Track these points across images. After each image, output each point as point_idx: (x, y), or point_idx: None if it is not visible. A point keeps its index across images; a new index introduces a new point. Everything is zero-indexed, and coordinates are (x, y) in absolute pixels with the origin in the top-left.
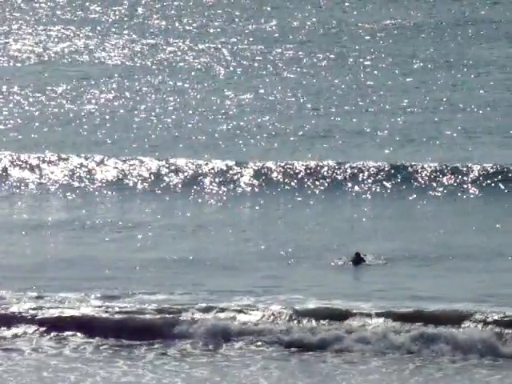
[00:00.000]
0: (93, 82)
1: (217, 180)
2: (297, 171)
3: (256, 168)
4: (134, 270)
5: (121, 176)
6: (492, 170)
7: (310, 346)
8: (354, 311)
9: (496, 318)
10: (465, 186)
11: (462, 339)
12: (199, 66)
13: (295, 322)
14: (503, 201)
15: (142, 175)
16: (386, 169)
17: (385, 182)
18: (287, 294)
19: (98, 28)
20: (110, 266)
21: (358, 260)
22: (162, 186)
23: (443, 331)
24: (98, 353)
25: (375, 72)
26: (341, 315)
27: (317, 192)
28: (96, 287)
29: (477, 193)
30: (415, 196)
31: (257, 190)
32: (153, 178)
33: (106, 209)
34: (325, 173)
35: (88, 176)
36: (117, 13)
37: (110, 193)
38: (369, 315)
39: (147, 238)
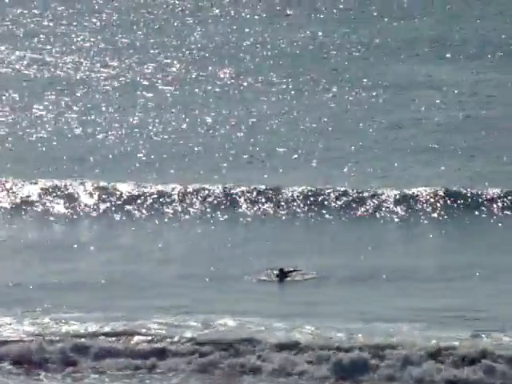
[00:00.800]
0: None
1: (137, 203)
2: (222, 193)
3: (175, 189)
4: (51, 290)
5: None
6: (436, 193)
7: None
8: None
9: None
10: (406, 210)
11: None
12: (121, 84)
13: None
14: (441, 223)
15: (56, 197)
16: (323, 190)
17: (319, 205)
18: (205, 313)
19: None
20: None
21: (282, 276)
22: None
23: None
24: (17, 364)
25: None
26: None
27: (247, 213)
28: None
29: (416, 217)
30: (346, 218)
31: (180, 211)
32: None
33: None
34: (257, 195)
35: None
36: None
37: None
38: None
39: (67, 260)
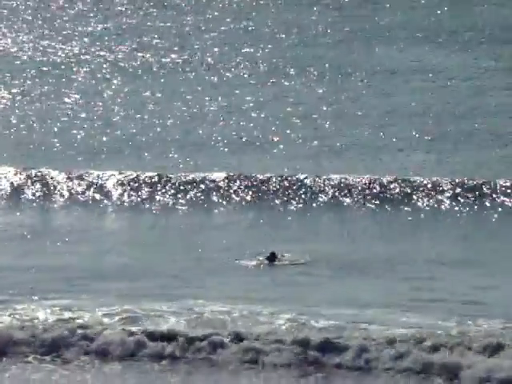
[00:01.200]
0: None
1: (129, 190)
2: (214, 180)
3: (166, 177)
4: (36, 275)
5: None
6: (430, 180)
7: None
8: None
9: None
10: (393, 197)
11: None
12: (110, 69)
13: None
14: (435, 211)
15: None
16: (317, 178)
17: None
18: (192, 299)
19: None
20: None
21: (272, 259)
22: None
23: None
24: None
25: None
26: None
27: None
28: None
29: (411, 205)
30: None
31: (170, 198)
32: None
33: None
34: (248, 182)
35: None
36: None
37: None
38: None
39: (58, 245)
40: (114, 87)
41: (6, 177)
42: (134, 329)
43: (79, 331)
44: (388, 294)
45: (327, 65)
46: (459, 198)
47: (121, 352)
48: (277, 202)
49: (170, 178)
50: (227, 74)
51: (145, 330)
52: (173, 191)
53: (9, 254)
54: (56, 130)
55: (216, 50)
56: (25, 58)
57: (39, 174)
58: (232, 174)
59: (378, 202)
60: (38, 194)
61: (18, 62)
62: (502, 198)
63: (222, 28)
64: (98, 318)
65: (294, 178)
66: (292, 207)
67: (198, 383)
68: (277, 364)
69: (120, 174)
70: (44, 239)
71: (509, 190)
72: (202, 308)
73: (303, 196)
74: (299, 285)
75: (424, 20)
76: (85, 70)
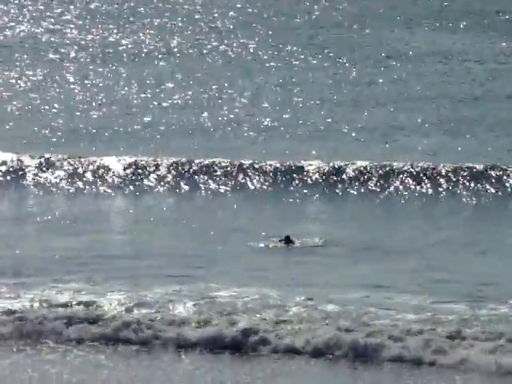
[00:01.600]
0: None
1: (142, 174)
2: (231, 167)
3: (180, 163)
4: (53, 261)
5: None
6: (445, 167)
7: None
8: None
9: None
10: (399, 184)
11: None
12: (116, 54)
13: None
14: (448, 197)
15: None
16: (323, 165)
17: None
18: (207, 282)
19: None
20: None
21: (288, 242)
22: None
23: None
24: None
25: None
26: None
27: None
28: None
29: (425, 191)
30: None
31: (184, 182)
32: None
33: None
34: (266, 169)
35: None
36: None
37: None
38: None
39: (70, 231)
40: (130, 70)
41: (18, 161)
42: (145, 313)
43: (91, 314)
44: (400, 277)
45: (341, 48)
46: (472, 183)
47: (132, 336)
48: (292, 186)
49: (184, 162)
50: (242, 58)
51: (156, 314)
52: (186, 176)
53: (22, 238)
54: (71, 114)
55: (230, 32)
56: (44, 40)
57: (49, 158)
58: (246, 159)
59: (391, 187)
60: (47, 179)
61: (37, 44)
62: None
63: (236, 10)
64: (110, 301)
65: (308, 163)
66: (307, 192)
67: (207, 366)
68: (282, 350)
69: (132, 157)
70: (56, 222)
71: None
72: (213, 292)
73: (318, 180)
74: (313, 267)
75: (439, 2)
76: (103, 52)
